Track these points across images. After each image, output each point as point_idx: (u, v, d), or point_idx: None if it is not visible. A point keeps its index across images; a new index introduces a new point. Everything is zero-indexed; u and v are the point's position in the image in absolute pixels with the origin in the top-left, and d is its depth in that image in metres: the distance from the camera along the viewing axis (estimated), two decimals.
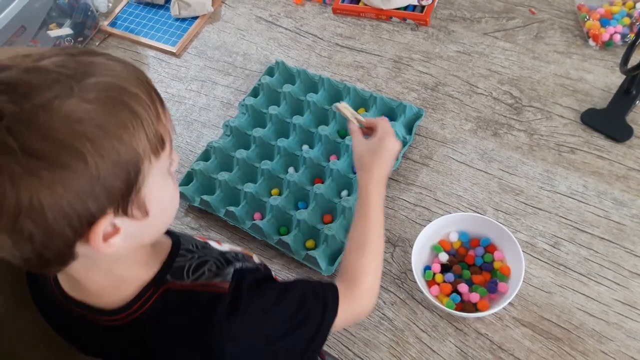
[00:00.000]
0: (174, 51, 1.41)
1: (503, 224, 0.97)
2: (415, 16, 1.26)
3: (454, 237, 0.96)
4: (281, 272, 1.02)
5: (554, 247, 0.95)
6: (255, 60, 1.34)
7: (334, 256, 0.99)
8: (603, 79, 1.10)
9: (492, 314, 0.89)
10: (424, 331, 0.92)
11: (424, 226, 0.95)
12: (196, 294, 0.64)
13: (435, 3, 1.28)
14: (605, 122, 1.04)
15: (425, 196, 1.05)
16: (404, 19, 1.28)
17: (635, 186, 0.97)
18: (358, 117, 0.90)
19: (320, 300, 0.71)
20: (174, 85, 1.36)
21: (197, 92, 1.33)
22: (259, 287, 0.67)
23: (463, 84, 1.17)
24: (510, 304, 0.89)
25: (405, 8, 1.28)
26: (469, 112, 1.13)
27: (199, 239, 0.80)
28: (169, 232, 0.75)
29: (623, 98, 1.04)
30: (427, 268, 0.94)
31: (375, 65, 1.24)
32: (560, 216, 0.97)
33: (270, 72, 1.27)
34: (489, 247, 0.94)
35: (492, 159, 1.06)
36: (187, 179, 1.16)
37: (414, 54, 1.24)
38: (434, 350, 0.89)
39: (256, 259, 0.78)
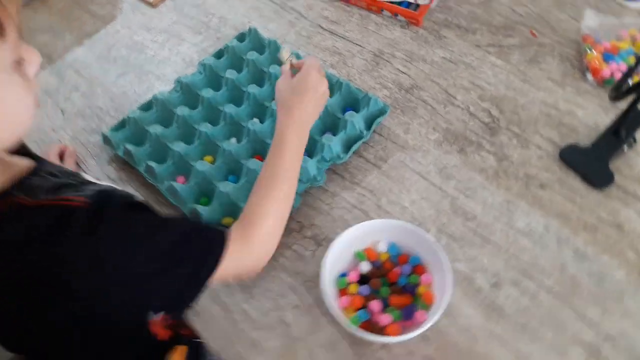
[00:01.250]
0: (151, 1, 1.30)
1: (442, 248, 0.84)
2: (407, 13, 1.16)
3: (382, 247, 0.83)
4: None
5: (493, 287, 0.82)
6: (231, 25, 1.23)
7: None
8: (594, 117, 0.98)
9: (402, 345, 0.76)
10: (320, 347, 0.78)
11: None
12: (48, 207, 0.55)
13: (433, 4, 1.17)
14: (586, 163, 0.92)
15: (368, 199, 0.92)
16: (396, 15, 1.17)
17: (603, 240, 0.85)
18: (293, 61, 0.88)
19: (204, 241, 0.66)
20: (141, 33, 1.25)
21: (162, 44, 1.22)
22: (127, 213, 0.59)
23: (441, 92, 1.05)
24: (426, 338, 0.76)
25: (400, 4, 1.17)
26: (439, 121, 1.01)
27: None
28: (33, 156, 0.64)
29: (610, 140, 0.92)
30: (343, 275, 0.81)
31: (353, 55, 1.13)
32: (511, 254, 0.85)
33: (241, 37, 1.16)
34: (418, 268, 0.81)
35: (451, 176, 0.94)
36: (119, 126, 1.04)
37: (397, 51, 1.13)
38: None
39: None
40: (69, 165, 1.01)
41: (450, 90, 1.05)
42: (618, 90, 0.84)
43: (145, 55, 1.20)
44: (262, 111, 1.02)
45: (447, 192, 0.92)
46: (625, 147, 0.92)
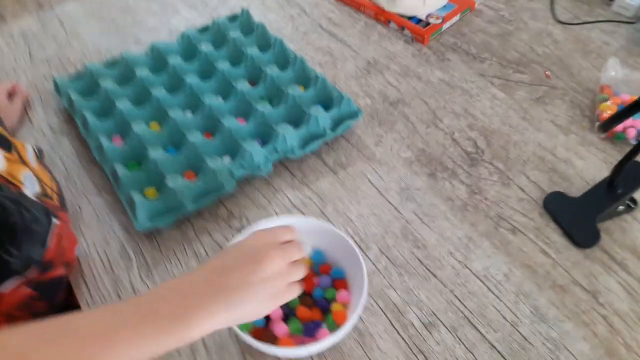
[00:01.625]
0: None
1: (376, 270, 0.71)
2: (415, 29, 1.06)
3: (305, 252, 0.71)
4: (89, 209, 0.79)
5: (425, 328, 0.67)
6: (230, 7, 1.16)
7: (158, 214, 0.75)
8: (593, 171, 0.84)
9: None
10: (207, 346, 0.65)
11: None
12: None
13: (444, 26, 1.08)
14: (571, 215, 0.78)
15: (313, 203, 0.80)
16: (402, 28, 1.08)
17: (571, 305, 0.70)
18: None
19: None
20: (138, 2, 1.19)
21: (154, 13, 1.16)
22: None
23: (427, 112, 0.94)
24: None
25: (410, 19, 1.08)
26: (416, 141, 0.89)
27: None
28: None
29: (604, 193, 0.78)
30: None
31: (345, 59, 1.04)
32: (456, 296, 0.70)
33: (233, 18, 1.09)
34: (339, 282, 0.68)
35: (412, 198, 0.81)
36: (75, 76, 0.96)
37: (393, 64, 1.03)
38: None
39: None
40: (17, 104, 0.93)
41: (438, 113, 0.94)
42: (607, 125, 0.71)
43: (134, 20, 1.14)
44: (227, 89, 0.92)
45: (402, 214, 0.79)
46: (621, 207, 0.78)
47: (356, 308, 0.62)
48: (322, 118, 0.85)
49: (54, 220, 0.68)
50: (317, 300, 0.67)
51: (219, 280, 0.51)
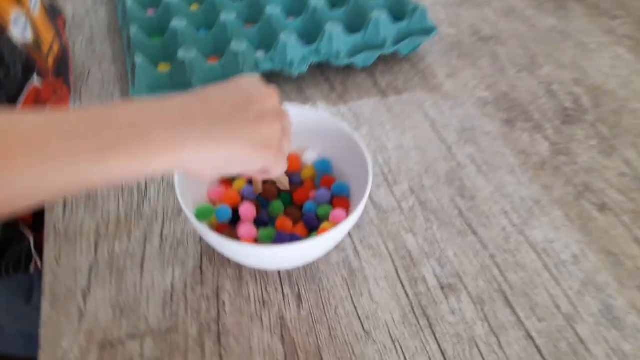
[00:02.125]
0: None
1: (397, 209, 0.53)
2: None
3: (309, 158, 0.54)
4: None
5: (442, 289, 0.49)
6: None
7: (160, 86, 0.63)
8: None
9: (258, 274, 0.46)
10: (162, 237, 0.51)
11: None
12: None
13: None
14: None
15: (345, 120, 0.64)
16: None
17: None
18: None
19: None
20: None
21: None
22: None
23: (524, 57, 0.74)
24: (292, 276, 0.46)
25: None
26: (500, 82, 0.70)
27: None
28: None
29: None
30: None
31: None
32: (496, 263, 0.51)
33: None
34: (339, 201, 0.51)
35: (473, 141, 0.62)
36: None
37: (497, 2, 0.84)
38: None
39: None
40: None
41: (538, 59, 0.74)
42: None
43: None
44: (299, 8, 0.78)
45: (455, 156, 0.61)
46: None
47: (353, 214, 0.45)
48: (384, 25, 0.68)
49: (35, 80, 0.58)
50: (306, 215, 0.50)
51: (204, 105, 0.38)
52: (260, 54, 0.68)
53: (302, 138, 0.53)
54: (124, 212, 0.54)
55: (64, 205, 0.55)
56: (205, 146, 0.37)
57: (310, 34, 0.70)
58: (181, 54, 0.63)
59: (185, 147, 0.36)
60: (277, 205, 0.50)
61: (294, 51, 0.66)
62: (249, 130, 0.38)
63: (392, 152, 0.61)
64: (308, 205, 0.51)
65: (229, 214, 0.48)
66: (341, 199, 0.51)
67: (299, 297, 0.48)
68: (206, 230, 0.43)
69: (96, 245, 0.51)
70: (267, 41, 0.69)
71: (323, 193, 0.51)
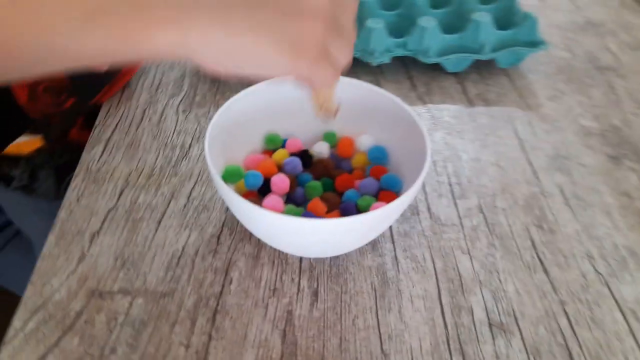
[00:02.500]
0: None
1: (457, 225, 0.46)
2: None
3: (364, 143, 0.48)
4: None
5: (490, 327, 0.40)
6: None
7: None
8: None
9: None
10: (189, 198, 0.47)
11: None
12: None
13: None
14: None
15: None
16: None
17: None
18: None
19: None
20: None
21: None
22: None
23: None
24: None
25: None
26: (612, 115, 0.60)
27: None
28: None
29: None
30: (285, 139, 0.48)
31: (559, 8, 0.77)
32: (566, 313, 0.41)
33: None
34: (386, 195, 0.44)
35: (566, 170, 0.53)
36: None
37: (625, 34, 0.73)
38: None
39: None
40: None
41: None
42: None
43: None
44: None
45: (541, 182, 0.52)
46: None
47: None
48: (485, 28, 0.61)
49: None
50: (345, 202, 0.43)
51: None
52: None
53: (358, 120, 0.47)
54: (160, 165, 0.50)
55: (104, 148, 0.52)
56: (215, 30, 0.29)
57: (400, 29, 0.64)
58: None
59: (193, 27, 0.28)
60: (314, 186, 0.44)
61: (377, 39, 0.60)
62: (275, 21, 0.30)
63: (465, 164, 0.53)
64: (349, 193, 0.44)
65: (258, 180, 0.43)
66: (389, 194, 0.44)
67: (315, 294, 0.41)
68: (227, 190, 0.38)
69: (121, 192, 0.48)
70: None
71: (369, 183, 0.44)
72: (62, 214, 0.46)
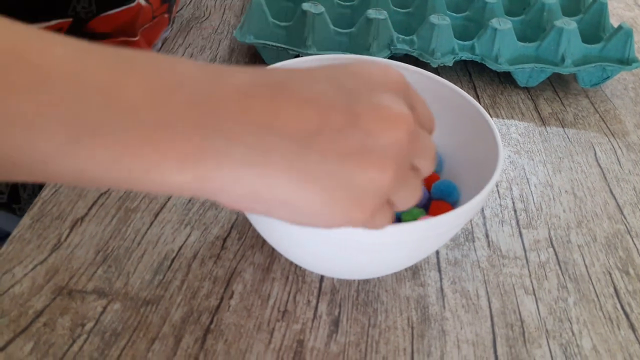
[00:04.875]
0: None
1: (522, 257, 0.36)
2: None
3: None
4: None
5: None
6: None
7: (267, 35, 0.52)
8: None
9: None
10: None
11: None
12: None
13: None
14: None
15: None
16: None
17: None
18: None
19: None
20: None
21: None
22: None
23: None
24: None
25: None
26: None
27: None
28: None
29: None
30: None
31: None
32: None
33: None
34: (439, 206, 0.35)
35: None
36: None
37: None
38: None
39: None
40: None
41: None
42: None
43: None
44: None
45: (626, 220, 0.42)
46: None
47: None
48: (568, 38, 0.52)
49: None
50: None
51: (270, 108, 0.22)
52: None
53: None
54: None
55: None
56: (245, 173, 0.21)
57: (468, 33, 0.56)
58: (306, 6, 0.52)
59: (222, 166, 0.21)
60: None
61: (441, 38, 0.52)
62: (331, 169, 0.22)
63: (534, 188, 0.44)
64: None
65: None
66: (442, 205, 0.35)
67: (335, 324, 0.32)
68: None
69: None
70: (414, 27, 0.56)
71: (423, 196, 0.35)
72: (45, 192, 0.38)
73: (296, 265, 0.35)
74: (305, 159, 0.22)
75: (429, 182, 0.36)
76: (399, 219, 0.35)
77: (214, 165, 0.21)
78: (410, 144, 0.23)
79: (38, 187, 0.57)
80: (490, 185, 0.30)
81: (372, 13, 0.52)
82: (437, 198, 0.35)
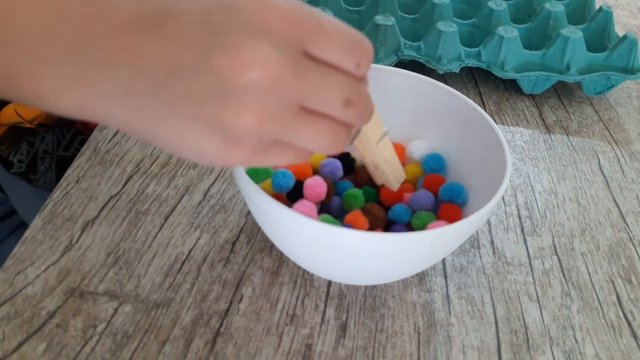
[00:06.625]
0: None
1: (526, 264, 0.37)
2: None
3: (417, 151, 0.39)
4: None
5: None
6: None
7: None
8: None
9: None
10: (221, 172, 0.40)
11: None
12: None
13: None
14: None
15: None
16: None
17: None
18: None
19: None
20: None
21: None
22: None
23: None
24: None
25: None
26: None
27: None
28: None
29: None
30: None
31: None
32: None
33: None
34: (447, 210, 0.35)
35: None
36: None
37: None
38: None
39: None
40: None
41: None
42: None
43: None
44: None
45: (629, 228, 0.43)
46: None
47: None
48: (573, 47, 0.53)
49: None
50: (394, 221, 0.35)
51: (155, 27, 0.22)
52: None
53: (412, 121, 0.39)
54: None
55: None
56: (114, 105, 0.23)
57: (474, 40, 0.57)
58: None
59: (94, 94, 0.23)
60: (355, 194, 0.36)
61: (448, 45, 0.52)
62: (190, 110, 0.22)
63: (539, 196, 0.44)
64: (398, 209, 0.35)
65: (289, 181, 0.35)
66: (451, 208, 0.35)
67: (343, 328, 0.33)
68: (249, 185, 0.30)
69: (129, 179, 0.41)
70: (421, 34, 0.56)
71: (423, 196, 0.36)
72: (56, 194, 0.39)
73: (304, 270, 0.36)
74: (161, 97, 0.22)
75: (436, 185, 0.37)
76: (409, 225, 0.35)
77: (85, 93, 0.22)
78: (278, 86, 0.22)
79: (55, 162, 0.58)
80: (499, 193, 0.31)
81: (380, 19, 0.52)
82: (445, 201, 0.36)
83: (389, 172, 0.34)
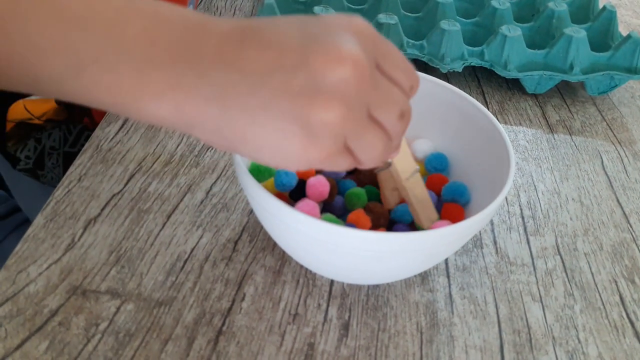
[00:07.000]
0: None
1: (529, 264, 0.37)
2: None
3: (421, 150, 0.39)
4: None
5: None
6: None
7: None
8: None
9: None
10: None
11: None
12: None
13: None
14: None
15: None
16: None
17: None
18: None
19: None
20: None
21: None
22: None
23: None
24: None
25: None
26: None
27: None
28: None
29: None
30: None
31: None
32: None
33: None
34: (450, 209, 0.35)
35: None
36: None
37: None
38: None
39: None
40: None
41: None
42: None
43: None
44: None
45: (632, 228, 0.42)
46: None
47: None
48: (577, 46, 0.52)
49: None
50: (397, 221, 0.35)
51: (235, 45, 0.24)
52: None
53: (415, 120, 0.39)
54: (181, 153, 0.43)
55: (121, 126, 0.45)
56: (210, 106, 0.24)
57: (477, 39, 0.56)
58: (317, 10, 0.53)
59: (187, 100, 0.24)
60: (357, 193, 0.36)
61: (451, 44, 0.52)
62: (283, 107, 0.24)
63: (542, 196, 0.44)
64: (400, 209, 0.35)
65: (292, 180, 0.35)
66: (454, 207, 0.35)
67: (345, 328, 0.33)
68: (251, 184, 0.30)
69: (131, 177, 0.41)
70: (424, 32, 0.56)
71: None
72: (58, 192, 0.39)
73: (307, 269, 0.36)
74: (259, 95, 0.24)
75: (439, 184, 0.37)
76: (412, 224, 0.35)
77: (183, 97, 0.24)
78: (361, 87, 0.24)
79: (62, 158, 0.58)
80: (503, 194, 0.31)
81: (382, 17, 0.52)
82: (448, 200, 0.36)
83: (420, 209, 0.34)
